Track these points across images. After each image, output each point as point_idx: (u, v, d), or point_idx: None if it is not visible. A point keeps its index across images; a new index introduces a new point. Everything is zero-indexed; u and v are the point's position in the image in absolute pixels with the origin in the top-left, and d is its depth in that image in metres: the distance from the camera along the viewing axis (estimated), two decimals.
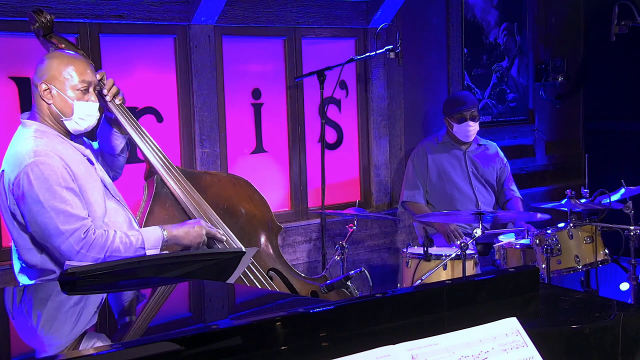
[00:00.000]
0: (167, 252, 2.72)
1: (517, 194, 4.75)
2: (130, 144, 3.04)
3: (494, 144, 4.89)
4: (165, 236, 2.73)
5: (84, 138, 2.90)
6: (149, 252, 2.67)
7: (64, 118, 2.69)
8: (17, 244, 2.69)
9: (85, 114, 2.71)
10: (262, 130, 4.46)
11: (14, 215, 2.64)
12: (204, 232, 2.81)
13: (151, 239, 2.70)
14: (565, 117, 6.04)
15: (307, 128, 4.61)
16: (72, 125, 2.71)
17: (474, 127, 4.61)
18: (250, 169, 4.37)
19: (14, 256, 2.75)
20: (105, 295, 2.04)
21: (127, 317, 1.87)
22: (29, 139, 2.63)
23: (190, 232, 2.78)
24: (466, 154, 4.70)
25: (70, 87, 2.67)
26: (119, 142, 2.97)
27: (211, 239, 2.86)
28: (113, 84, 2.88)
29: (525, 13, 5.73)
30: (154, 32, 3.99)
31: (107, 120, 2.94)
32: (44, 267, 2.67)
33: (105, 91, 2.86)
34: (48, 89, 2.67)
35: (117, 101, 2.89)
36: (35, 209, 2.56)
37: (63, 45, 2.87)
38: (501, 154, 4.83)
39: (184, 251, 2.75)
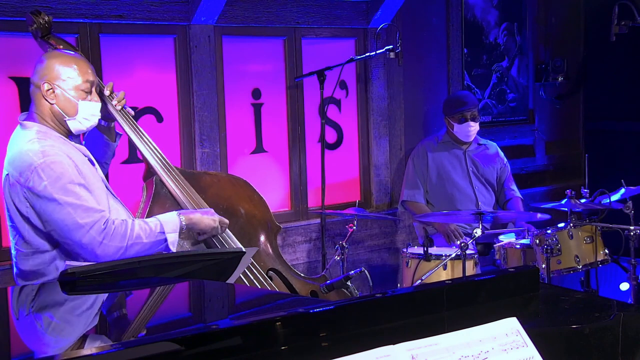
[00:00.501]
0: (168, 251, 2.72)
1: (518, 193, 4.75)
2: (130, 145, 3.04)
3: (494, 143, 4.89)
4: (182, 221, 2.72)
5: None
6: (169, 237, 2.66)
7: (67, 118, 2.68)
8: (32, 246, 2.64)
9: (89, 114, 2.70)
10: (262, 130, 4.46)
11: (27, 219, 2.60)
12: (217, 217, 2.81)
13: (170, 223, 2.69)
14: (565, 117, 6.04)
15: (307, 128, 4.61)
16: (75, 125, 2.70)
17: (474, 127, 4.62)
18: (250, 169, 4.37)
19: (14, 261, 2.74)
20: (105, 295, 2.04)
21: (127, 317, 1.87)
22: (33, 141, 2.60)
23: (205, 217, 2.78)
24: (466, 154, 4.70)
25: (74, 87, 2.66)
26: (109, 149, 2.97)
27: (215, 235, 2.86)
28: (124, 96, 2.89)
29: (525, 13, 5.73)
30: (154, 32, 3.99)
31: (98, 127, 2.90)
32: (39, 271, 2.65)
33: (115, 102, 2.86)
34: (51, 88, 2.65)
35: (118, 107, 2.89)
36: (50, 208, 2.54)
37: (61, 46, 2.86)
38: (501, 153, 4.83)
39: (184, 251, 2.75)
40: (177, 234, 2.69)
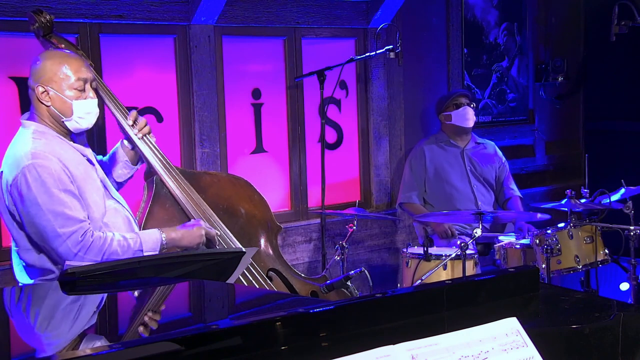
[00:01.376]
0: (167, 252, 2.72)
1: (517, 192, 4.75)
2: (130, 144, 3.03)
3: (492, 143, 4.90)
4: (163, 239, 2.72)
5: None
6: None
7: (65, 118, 2.68)
8: (18, 244, 2.69)
9: (84, 112, 2.70)
10: (262, 130, 4.46)
11: (13, 216, 2.63)
12: (203, 232, 2.79)
13: (149, 242, 2.69)
14: (565, 117, 6.04)
15: (307, 128, 4.61)
16: (73, 124, 2.70)
17: (471, 111, 4.62)
18: (250, 169, 4.37)
19: (14, 255, 2.75)
20: (105, 295, 2.04)
21: (127, 317, 1.87)
22: (27, 141, 2.61)
23: (189, 233, 2.77)
24: (464, 153, 4.70)
25: (67, 86, 2.65)
26: (128, 170, 2.99)
27: (210, 240, 2.85)
28: (146, 124, 2.91)
29: (525, 13, 5.73)
30: (154, 32, 3.99)
31: (122, 148, 2.96)
32: (43, 266, 2.66)
33: (136, 131, 2.88)
34: (45, 91, 2.65)
35: (139, 135, 2.90)
36: (32, 212, 2.55)
37: (63, 45, 2.87)
38: (499, 152, 4.83)
39: (184, 251, 2.75)
40: (157, 252, 2.69)
